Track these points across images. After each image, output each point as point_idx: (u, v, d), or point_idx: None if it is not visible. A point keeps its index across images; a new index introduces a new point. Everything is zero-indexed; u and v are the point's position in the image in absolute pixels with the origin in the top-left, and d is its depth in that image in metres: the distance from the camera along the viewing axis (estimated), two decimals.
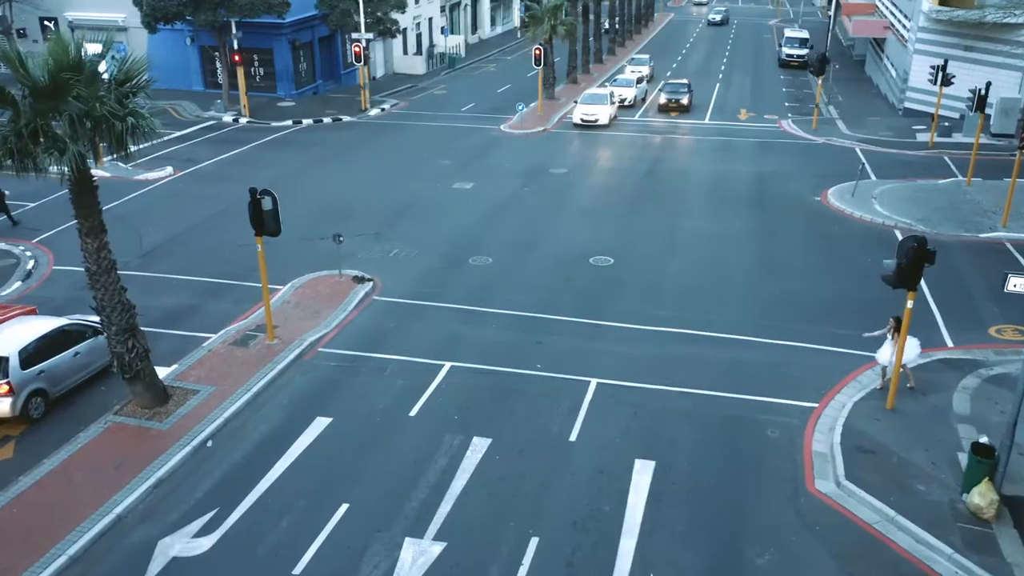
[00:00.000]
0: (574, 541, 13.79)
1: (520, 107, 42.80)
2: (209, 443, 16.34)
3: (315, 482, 15.26)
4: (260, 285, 20.42)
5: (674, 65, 63.70)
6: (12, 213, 28.77)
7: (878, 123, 43.80)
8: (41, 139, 14.15)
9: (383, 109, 47.28)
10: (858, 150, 38.28)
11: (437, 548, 13.59)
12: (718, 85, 55.66)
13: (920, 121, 43.02)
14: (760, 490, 15.08)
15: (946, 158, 36.63)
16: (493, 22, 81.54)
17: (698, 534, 14.00)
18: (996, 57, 40.37)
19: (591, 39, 60.14)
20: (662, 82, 51.63)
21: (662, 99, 47.52)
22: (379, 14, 48.23)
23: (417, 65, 59.83)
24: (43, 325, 17.93)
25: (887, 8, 53.51)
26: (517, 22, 78.31)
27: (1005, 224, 27.71)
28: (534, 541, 13.76)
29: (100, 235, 15.94)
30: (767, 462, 15.87)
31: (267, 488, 15.11)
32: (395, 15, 50.44)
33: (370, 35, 46.83)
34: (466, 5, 73.93)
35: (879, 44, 55.64)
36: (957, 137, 39.26)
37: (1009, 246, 26.62)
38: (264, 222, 19.00)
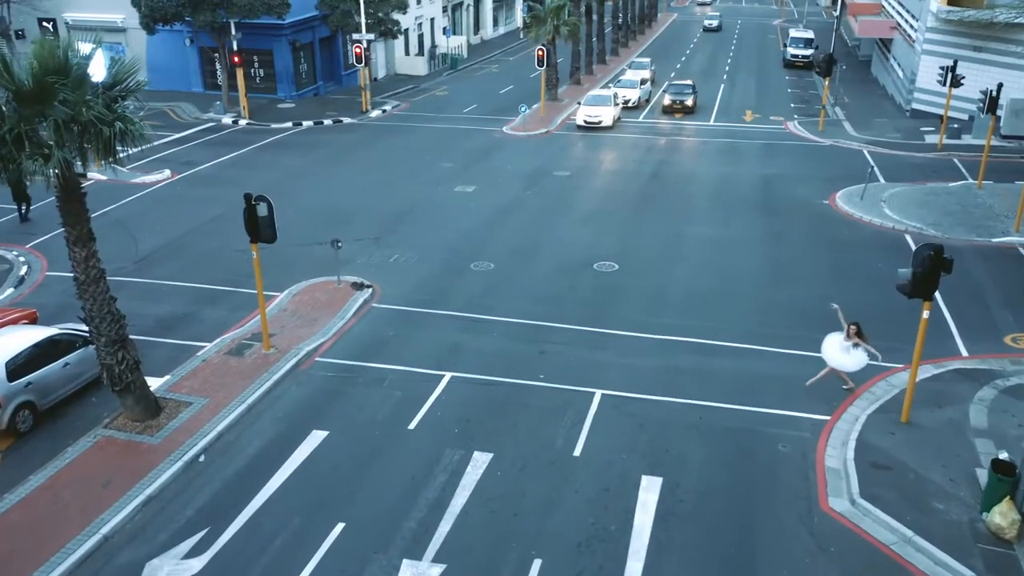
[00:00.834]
0: (579, 564, 13.24)
1: (523, 108, 42.28)
2: (201, 458, 15.82)
3: (310, 499, 14.73)
4: (257, 292, 19.91)
5: (678, 66, 63.15)
6: (28, 207, 28.98)
7: (885, 125, 43.22)
8: (26, 145, 13.61)
9: (384, 111, 46.78)
10: (866, 152, 37.74)
11: (436, 571, 13.05)
12: (723, 86, 55.11)
13: (928, 123, 42.46)
14: (772, 508, 14.52)
15: (956, 160, 36.05)
16: (495, 22, 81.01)
17: (708, 556, 13.45)
18: (1006, 58, 39.79)
19: (594, 39, 59.59)
20: (666, 83, 51.07)
21: (666, 100, 47.00)
22: (380, 15, 47.72)
23: (419, 66, 59.34)
24: (32, 335, 17.43)
25: (894, 8, 52.91)
26: (520, 22, 77.74)
27: (1018, 228, 27.12)
28: (537, 563, 13.21)
29: (88, 244, 15.43)
30: (779, 478, 15.31)
31: (260, 506, 14.59)
32: (396, 16, 49.94)
33: (371, 36, 46.33)
34: (468, 5, 73.41)
35: (885, 44, 55.05)
36: (966, 139, 38.67)
37: (1023, 251, 26.04)
38: (259, 228, 18.47)
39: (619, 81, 50.74)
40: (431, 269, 24.77)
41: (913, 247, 26.18)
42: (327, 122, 44.11)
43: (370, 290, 23.07)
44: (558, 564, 13.21)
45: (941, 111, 40.92)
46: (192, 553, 13.46)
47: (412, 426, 16.86)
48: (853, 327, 17.59)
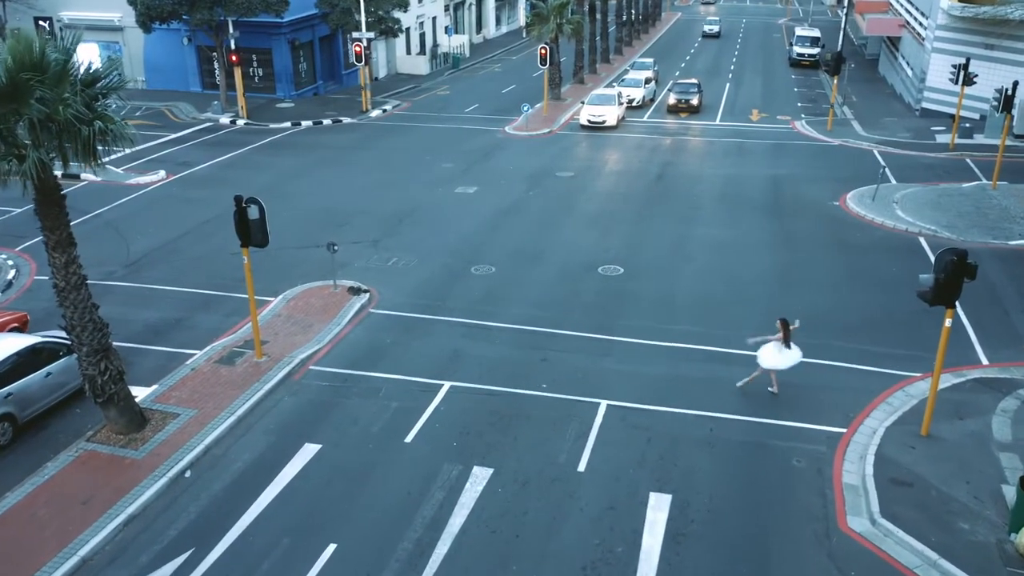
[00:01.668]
0: None
1: (525, 108, 41.52)
2: (187, 473, 15.08)
3: (301, 518, 13.98)
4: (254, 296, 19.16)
5: (682, 65, 62.41)
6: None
7: (895, 124, 42.41)
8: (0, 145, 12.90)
9: (385, 110, 46.06)
10: (876, 152, 36.94)
11: None
12: (728, 85, 54.34)
13: (938, 122, 41.66)
14: (788, 528, 13.75)
15: (968, 160, 35.25)
16: (498, 21, 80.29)
17: None
18: (1019, 56, 38.94)
19: (598, 38, 58.83)
20: (671, 82, 50.29)
21: (671, 99, 46.23)
22: (381, 13, 47.01)
23: (420, 65, 58.62)
24: (12, 343, 16.67)
25: (902, 6, 52.08)
26: (522, 21, 76.97)
27: None
28: None
29: (68, 249, 14.70)
30: (794, 496, 14.54)
31: (248, 525, 13.84)
32: (397, 14, 49.21)
33: (371, 34, 45.58)
34: (471, 4, 72.69)
35: (893, 43, 54.22)
36: (979, 138, 37.86)
37: None
38: (251, 232, 17.73)
39: (623, 80, 49.99)
40: (431, 273, 24.03)
41: (928, 250, 25.48)
42: (326, 122, 43.40)
43: (367, 295, 22.34)
44: None
45: (952, 110, 40.13)
46: None
47: (409, 439, 16.11)
48: (780, 324, 17.09)
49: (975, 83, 35.96)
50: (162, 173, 33.73)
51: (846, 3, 57.04)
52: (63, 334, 16.99)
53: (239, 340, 19.83)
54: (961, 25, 41.13)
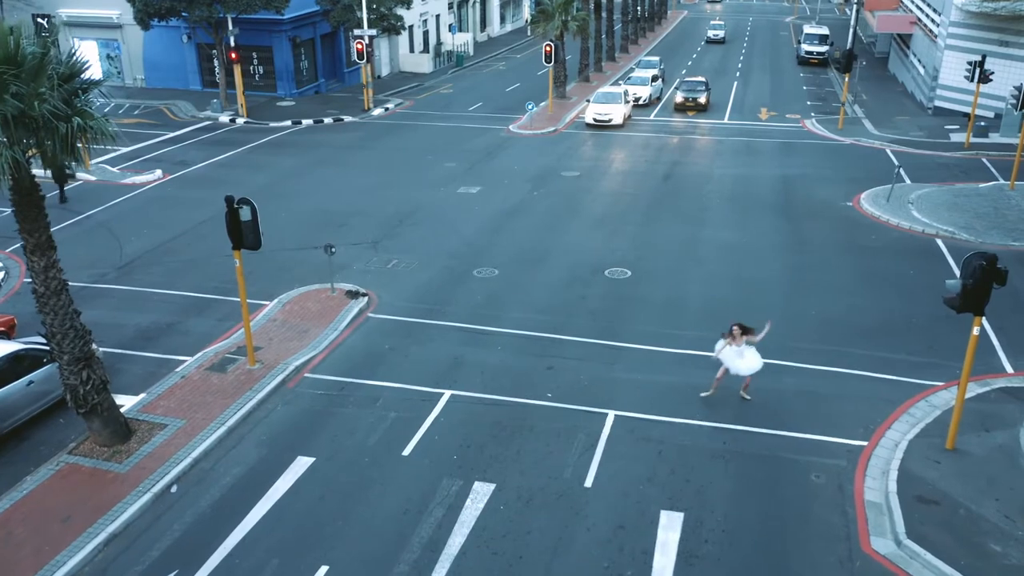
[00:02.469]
0: None
1: (530, 106, 40.73)
2: (173, 488, 14.33)
3: (291, 538, 13.22)
4: (248, 300, 18.43)
5: (688, 63, 61.62)
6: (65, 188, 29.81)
7: (907, 123, 41.53)
8: None
9: (387, 109, 45.32)
10: (889, 151, 36.08)
11: None
12: (736, 83, 53.50)
13: (952, 120, 40.78)
14: (808, 550, 12.95)
15: (984, 160, 34.39)
16: (503, 20, 79.53)
17: None
18: None
19: (603, 36, 58.03)
20: (677, 80, 49.47)
21: (679, 98, 45.42)
22: (383, 10, 46.26)
23: (423, 63, 57.88)
24: None
25: (913, 2, 51.18)
26: (528, 19, 76.16)
27: None
28: None
29: (48, 252, 13.95)
30: (813, 514, 13.73)
31: (236, 545, 13.08)
32: (400, 11, 48.44)
33: (373, 31, 44.81)
34: (475, 2, 71.94)
35: (904, 40, 53.32)
36: (994, 137, 36.97)
37: None
38: (242, 234, 16.98)
39: (629, 78, 49.20)
40: (431, 276, 23.26)
41: (946, 252, 24.66)
42: (327, 121, 42.66)
43: (366, 298, 21.58)
44: None
45: (965, 108, 39.31)
46: None
47: (406, 452, 15.33)
48: (736, 328, 16.30)
49: (991, 80, 35.09)
50: (159, 172, 33.03)
51: (855, 0, 56.11)
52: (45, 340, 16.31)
53: (232, 346, 19.09)
54: (975, 21, 40.23)
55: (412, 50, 59.12)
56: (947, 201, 28.81)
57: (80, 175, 32.09)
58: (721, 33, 74.65)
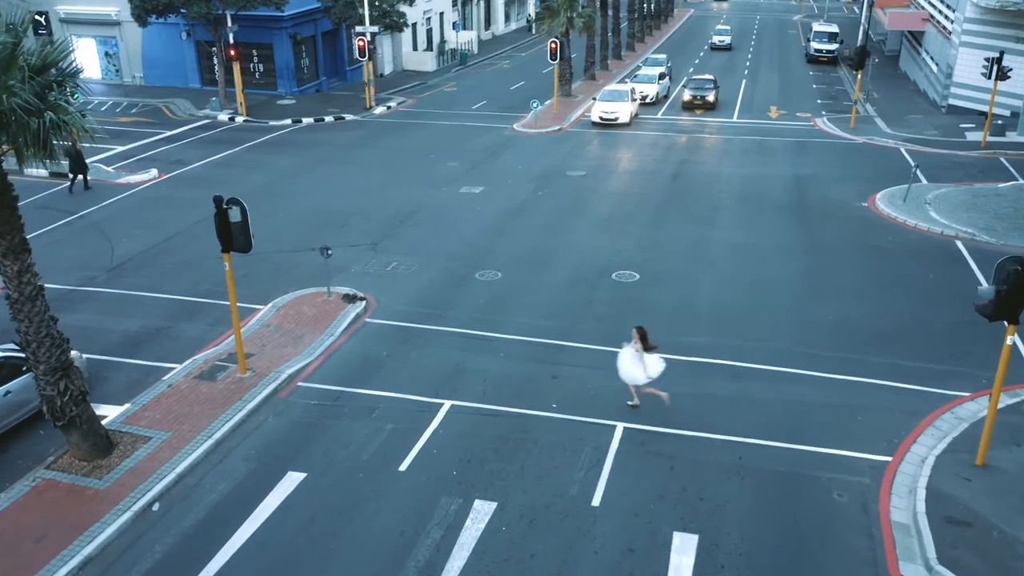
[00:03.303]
0: None
1: (535, 105, 39.86)
2: (155, 506, 13.50)
3: (279, 561, 12.38)
4: (241, 305, 17.70)
5: (696, 61, 60.73)
6: (78, 177, 30.04)
7: (921, 121, 40.57)
8: None
9: (389, 107, 44.50)
10: (903, 150, 35.15)
11: None
12: (744, 82, 52.60)
13: (967, 119, 39.82)
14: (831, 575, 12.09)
15: (1003, 159, 33.44)
16: (507, 18, 78.72)
17: None
18: None
19: (610, 34, 57.14)
20: (685, 78, 48.59)
21: (687, 96, 44.52)
22: (385, 6, 45.42)
23: (427, 61, 57.05)
24: None
25: None
26: (530, 17, 75.29)
27: None
28: None
29: (22, 256, 13.13)
30: (837, 536, 12.85)
31: (220, 568, 12.24)
32: (403, 8, 47.62)
33: (375, 28, 43.98)
34: (479, 0, 71.09)
35: (915, 37, 52.33)
36: (1012, 136, 36.02)
37: None
38: (232, 236, 16.16)
39: (636, 76, 48.32)
40: (432, 278, 22.42)
41: (967, 254, 23.76)
42: (328, 119, 41.85)
43: (364, 302, 20.74)
44: None
45: (980, 106, 38.36)
46: None
47: (403, 467, 14.48)
48: (636, 332, 15.54)
49: (1010, 77, 34.13)
50: (154, 172, 32.23)
51: None
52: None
53: (223, 352, 18.26)
54: (991, 18, 39.24)
55: (415, 48, 58.33)
56: (966, 202, 27.87)
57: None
58: (727, 39, 66.57)
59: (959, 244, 24.52)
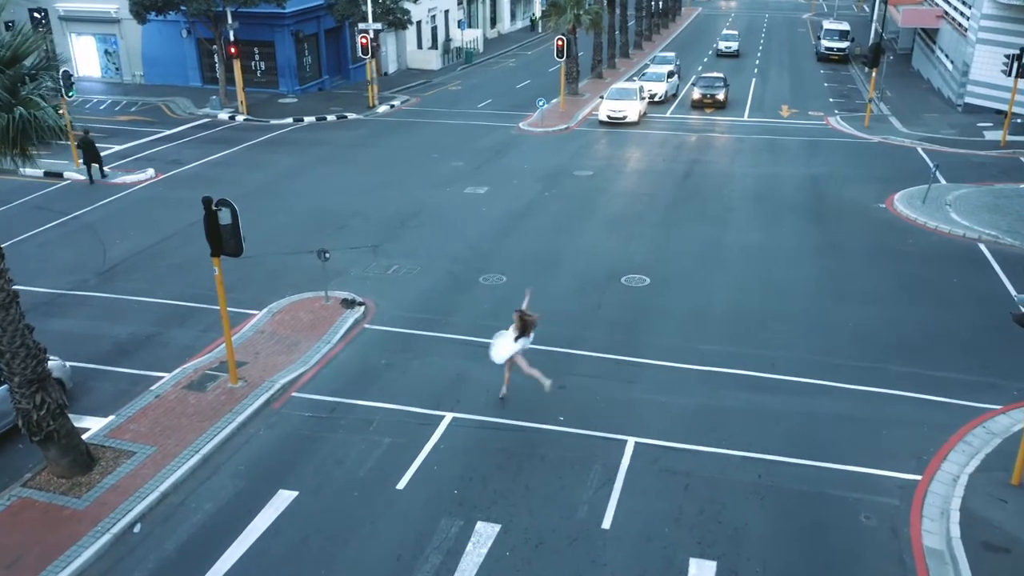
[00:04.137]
0: None
1: (541, 103, 38.98)
2: (136, 528, 12.67)
3: None
4: (235, 310, 16.86)
5: (704, 59, 59.81)
6: (96, 168, 30.05)
7: (937, 120, 39.58)
8: None
9: (392, 106, 43.69)
10: (920, 150, 34.21)
11: None
12: (754, 80, 51.67)
13: (984, 118, 38.83)
14: None
15: (1023, 159, 32.41)
16: (513, 16, 77.88)
17: None
18: None
19: (617, 32, 56.25)
20: (694, 76, 47.67)
21: (696, 94, 43.63)
22: (389, 3, 44.62)
23: (432, 60, 56.25)
24: None
25: None
26: (538, 14, 74.39)
27: None
28: None
29: None
30: (866, 564, 11.95)
31: None
32: (407, 5, 46.81)
33: (378, 26, 43.17)
34: None
35: (929, 35, 51.31)
36: None
37: None
38: (222, 239, 15.34)
39: (644, 74, 47.41)
40: (434, 282, 21.58)
41: (990, 257, 22.83)
42: (330, 118, 41.06)
43: (362, 308, 19.89)
44: None
45: (998, 105, 37.36)
46: None
47: (401, 485, 13.63)
48: (516, 314, 15.28)
49: None
50: (151, 172, 31.46)
51: None
52: None
53: (214, 360, 17.44)
54: (1009, 14, 38.24)
55: (420, 46, 57.52)
56: (987, 203, 26.92)
57: (67, 174, 30.62)
58: (735, 45, 61.05)
59: (982, 247, 23.58)
